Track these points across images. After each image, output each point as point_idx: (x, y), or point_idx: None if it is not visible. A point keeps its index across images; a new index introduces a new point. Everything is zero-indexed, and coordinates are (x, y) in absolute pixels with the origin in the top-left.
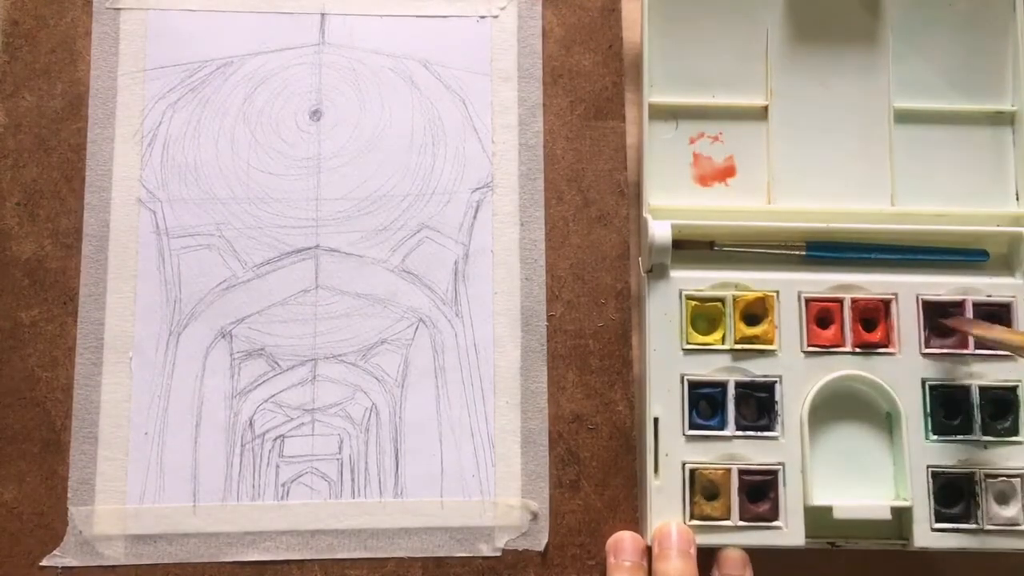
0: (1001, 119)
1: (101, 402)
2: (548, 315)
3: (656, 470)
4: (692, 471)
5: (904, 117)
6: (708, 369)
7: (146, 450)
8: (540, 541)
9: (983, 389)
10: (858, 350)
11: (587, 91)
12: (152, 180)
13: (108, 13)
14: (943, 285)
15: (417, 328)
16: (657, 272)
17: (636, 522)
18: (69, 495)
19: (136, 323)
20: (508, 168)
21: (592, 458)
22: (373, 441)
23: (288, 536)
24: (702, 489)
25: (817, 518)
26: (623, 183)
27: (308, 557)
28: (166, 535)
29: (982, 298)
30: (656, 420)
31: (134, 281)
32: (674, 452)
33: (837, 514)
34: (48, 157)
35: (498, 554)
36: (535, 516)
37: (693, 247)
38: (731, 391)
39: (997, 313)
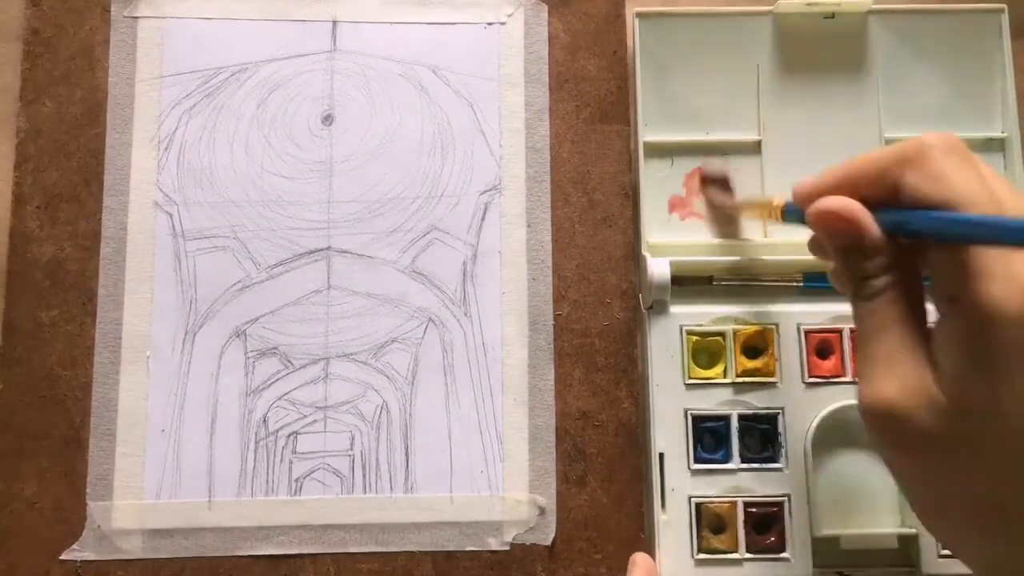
0: (992, 146)
1: (119, 400)
2: (555, 314)
3: (663, 505)
4: (698, 505)
5: None
6: (711, 403)
7: (163, 447)
8: (547, 535)
9: None
10: (858, 380)
11: (592, 95)
12: (168, 184)
13: (126, 21)
14: None
15: (427, 327)
16: (657, 308)
17: (641, 517)
18: (88, 491)
19: (153, 323)
20: (515, 171)
21: (598, 454)
22: (384, 438)
23: (301, 531)
24: (708, 523)
25: (824, 548)
26: (627, 185)
27: (321, 551)
28: (182, 529)
29: None
30: (661, 455)
31: (151, 282)
32: (680, 487)
33: (844, 544)
34: (68, 162)
35: (506, 548)
36: (542, 511)
37: (692, 283)
38: (734, 424)
39: None
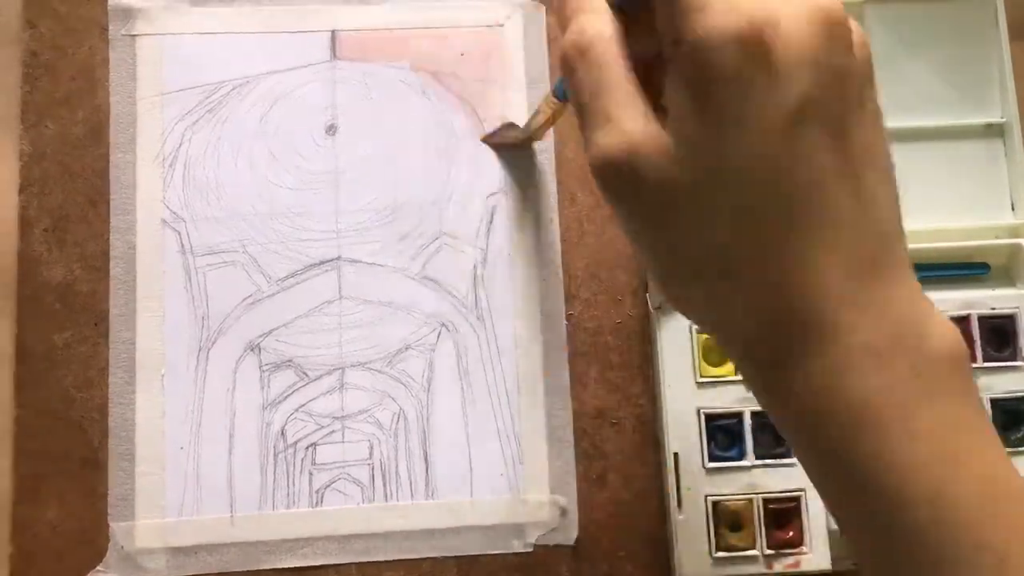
0: (992, 132)
1: (136, 419)
2: (567, 314)
3: (679, 505)
4: (715, 503)
5: (896, 136)
6: (723, 401)
7: (182, 464)
8: (570, 535)
9: (994, 401)
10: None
11: None
12: (175, 201)
13: (124, 40)
14: (947, 301)
15: (440, 333)
16: (666, 308)
17: (663, 514)
18: (109, 511)
19: (166, 341)
20: (521, 172)
21: (617, 452)
22: (402, 445)
23: (324, 541)
24: (726, 521)
25: (841, 540)
26: None
27: (345, 561)
28: (206, 546)
29: (986, 311)
30: (676, 455)
31: (162, 300)
32: (696, 486)
33: None
34: (73, 183)
35: (530, 550)
36: (564, 511)
37: None
38: (747, 421)
39: (1002, 325)
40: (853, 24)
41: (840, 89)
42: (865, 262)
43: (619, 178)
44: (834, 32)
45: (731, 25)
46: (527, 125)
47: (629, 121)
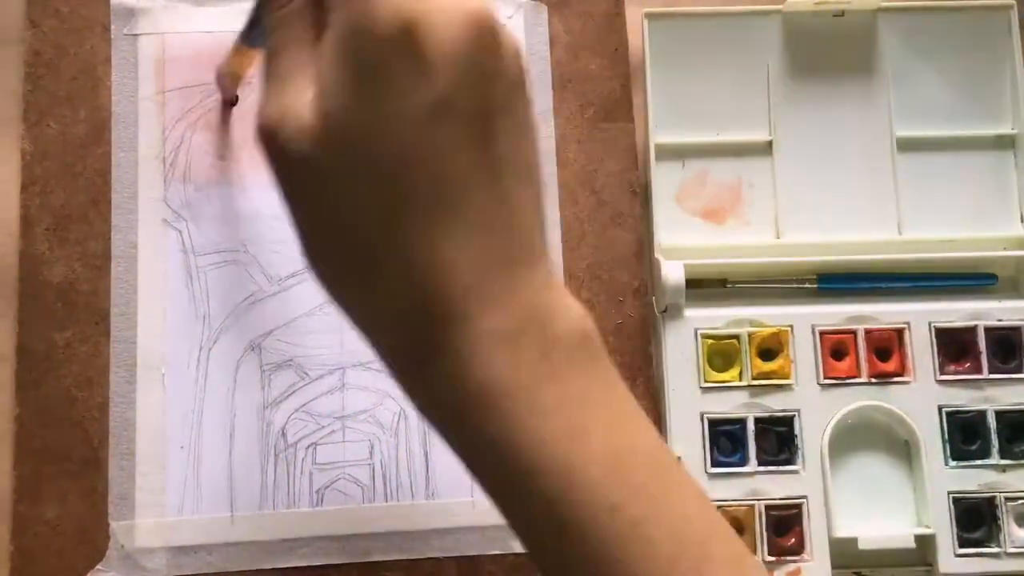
0: (1003, 143)
1: (137, 419)
2: None
3: None
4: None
5: (907, 145)
6: (727, 406)
7: (183, 463)
8: None
9: (999, 413)
10: (874, 380)
11: (595, 95)
12: (176, 200)
13: (126, 39)
14: (954, 312)
15: None
16: (672, 312)
17: None
18: (110, 510)
19: (167, 340)
20: None
21: None
22: (403, 445)
23: (324, 541)
24: None
25: (842, 549)
26: (635, 183)
27: (345, 561)
28: (206, 545)
29: (993, 323)
30: (678, 459)
31: (163, 299)
32: None
33: (862, 545)
34: (75, 182)
35: None
36: None
37: (706, 285)
38: (751, 427)
39: (1008, 337)
40: (507, 33)
41: (484, 92)
42: (496, 256)
43: (269, 145)
44: (483, 36)
45: (387, 15)
46: (220, 72)
47: (292, 91)
